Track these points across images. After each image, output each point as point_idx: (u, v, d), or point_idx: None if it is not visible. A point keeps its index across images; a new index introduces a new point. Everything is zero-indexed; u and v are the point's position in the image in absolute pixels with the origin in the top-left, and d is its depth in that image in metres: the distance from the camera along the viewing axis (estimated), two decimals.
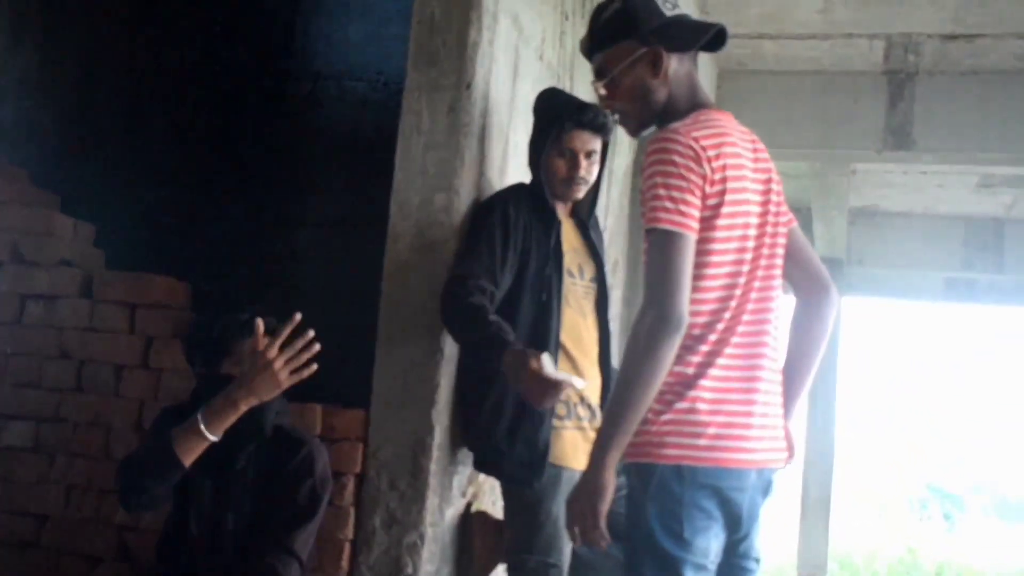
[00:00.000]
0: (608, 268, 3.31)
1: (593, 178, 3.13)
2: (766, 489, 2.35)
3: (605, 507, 2.21)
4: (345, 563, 3.03)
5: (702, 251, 2.24)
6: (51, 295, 3.45)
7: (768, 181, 2.38)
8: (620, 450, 2.21)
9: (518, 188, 3.13)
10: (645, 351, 2.16)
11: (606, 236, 3.34)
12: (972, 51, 6.43)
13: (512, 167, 3.43)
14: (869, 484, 18.74)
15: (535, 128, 3.15)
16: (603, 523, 2.22)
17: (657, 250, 2.20)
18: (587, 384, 2.71)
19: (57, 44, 4.36)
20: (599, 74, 2.51)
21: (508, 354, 2.69)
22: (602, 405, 3.14)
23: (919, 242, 10.06)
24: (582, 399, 3.07)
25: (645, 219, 2.24)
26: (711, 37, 2.43)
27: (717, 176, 2.23)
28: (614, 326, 3.13)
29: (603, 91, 2.51)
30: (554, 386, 2.59)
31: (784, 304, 2.42)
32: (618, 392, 2.21)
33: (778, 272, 2.39)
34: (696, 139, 2.24)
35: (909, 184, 9.04)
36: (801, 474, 8.29)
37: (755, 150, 2.39)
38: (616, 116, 2.54)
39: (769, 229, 2.36)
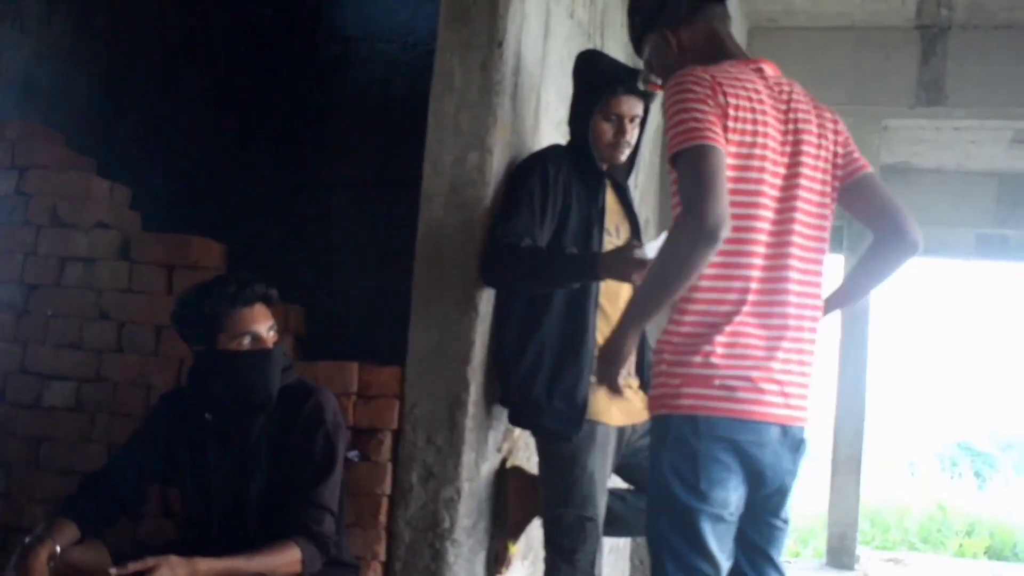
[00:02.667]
0: (641, 227, 3.32)
1: (635, 141, 3.14)
2: (795, 447, 2.33)
3: (621, 365, 2.32)
4: (383, 518, 3.07)
5: None
6: (90, 257, 3.49)
7: (800, 132, 2.34)
8: (640, 328, 2.30)
9: (557, 148, 3.14)
10: (683, 256, 2.15)
11: (636, 194, 3.36)
12: (1006, 4, 6.34)
13: (544, 125, 3.44)
14: (900, 442, 18.73)
15: (578, 91, 3.16)
16: (620, 376, 2.34)
17: (688, 166, 2.18)
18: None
19: (91, 9, 4.39)
20: (646, 67, 2.64)
21: (606, 257, 2.77)
22: (638, 363, 3.16)
23: (951, 199, 9.97)
24: None
25: (670, 147, 2.23)
26: None
27: (731, 112, 2.22)
28: None
29: (658, 81, 2.59)
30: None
31: (823, 261, 2.40)
32: (650, 284, 2.24)
33: (806, 226, 2.34)
34: (712, 74, 2.25)
35: (941, 140, 8.95)
36: (832, 432, 8.28)
37: (789, 99, 2.36)
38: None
39: (797, 180, 2.32)
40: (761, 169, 2.27)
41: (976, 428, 21.63)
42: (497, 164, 3.07)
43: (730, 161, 2.22)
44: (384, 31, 4.04)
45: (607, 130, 3.08)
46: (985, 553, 10.87)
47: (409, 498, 3.05)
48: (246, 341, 2.69)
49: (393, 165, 3.73)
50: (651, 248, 2.61)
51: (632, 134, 3.11)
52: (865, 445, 8.51)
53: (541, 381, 2.97)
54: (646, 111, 3.14)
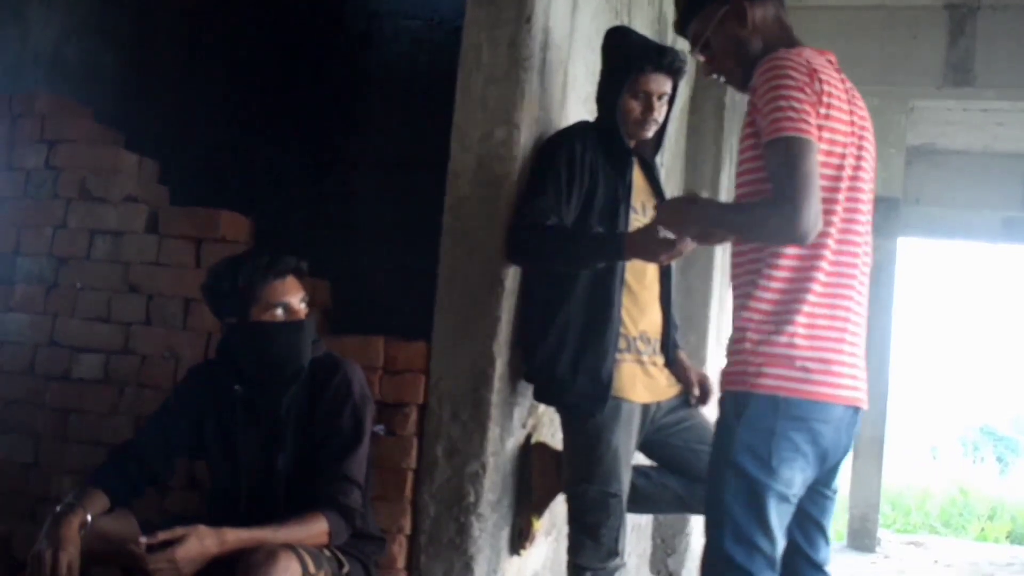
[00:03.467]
0: None
1: (663, 119, 3.14)
2: (853, 423, 2.38)
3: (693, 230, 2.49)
4: (408, 491, 3.09)
5: None
6: (118, 231, 3.51)
7: (862, 128, 2.38)
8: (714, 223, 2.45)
9: (584, 126, 3.14)
10: (766, 236, 2.28)
11: (663, 173, 3.35)
12: None
13: (571, 101, 3.43)
14: (922, 426, 18.68)
15: (607, 68, 3.15)
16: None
17: (784, 157, 2.20)
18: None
19: None
20: (694, 43, 2.56)
21: (633, 237, 2.77)
22: (663, 341, 3.17)
23: (977, 181, 9.91)
24: (642, 333, 3.09)
25: (765, 132, 2.25)
26: None
27: (824, 100, 2.25)
28: (673, 264, 3.15)
29: (701, 58, 2.56)
30: (682, 240, 2.63)
31: (870, 250, 2.44)
32: (724, 225, 2.42)
33: (865, 216, 2.39)
34: (808, 59, 2.27)
35: (968, 122, 8.89)
36: None
37: (853, 96, 2.40)
38: (722, 78, 2.56)
39: (861, 172, 2.36)
40: (842, 156, 2.31)
41: (999, 412, 21.55)
42: (524, 140, 3.06)
43: (821, 147, 2.25)
44: (409, 8, 4.03)
45: (635, 107, 3.07)
46: (1007, 537, 10.83)
47: (434, 472, 3.07)
48: (279, 312, 2.71)
49: (418, 142, 3.74)
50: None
51: (660, 112, 3.10)
52: (887, 428, 8.50)
53: (566, 357, 2.97)
54: (674, 89, 3.13)
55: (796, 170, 2.18)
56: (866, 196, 2.39)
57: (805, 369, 2.26)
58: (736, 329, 2.37)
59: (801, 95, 2.22)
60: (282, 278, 2.72)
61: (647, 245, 2.72)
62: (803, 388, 2.26)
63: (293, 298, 2.73)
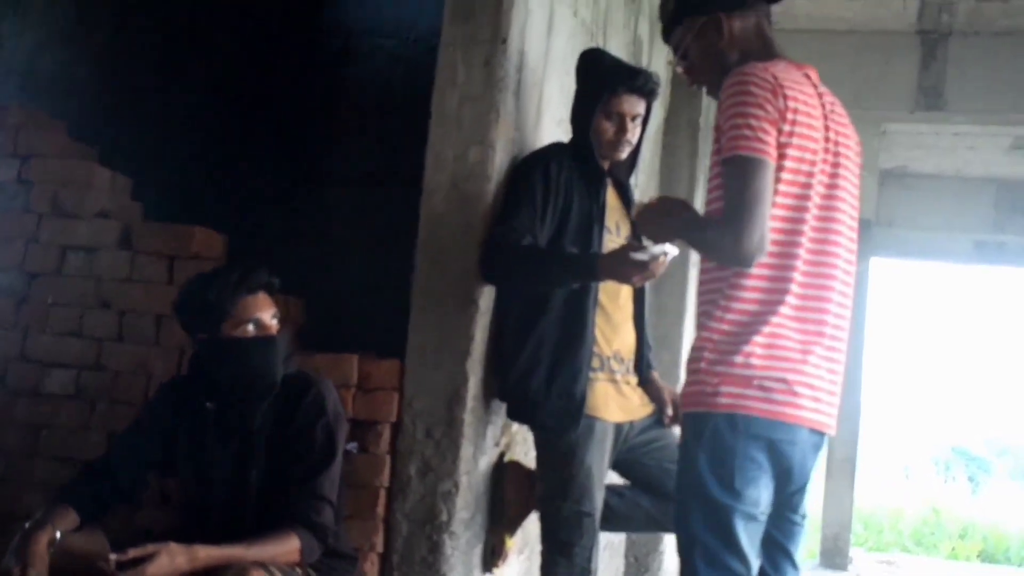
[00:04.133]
0: None
1: (637, 140, 3.15)
2: (818, 446, 2.37)
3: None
4: (381, 509, 3.08)
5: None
6: (91, 246, 3.49)
7: (839, 144, 2.36)
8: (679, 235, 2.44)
9: (559, 146, 3.16)
10: (714, 256, 2.32)
11: (636, 193, 3.37)
12: (1006, 11, 6.36)
13: (546, 121, 3.45)
14: (894, 446, 18.76)
15: (581, 89, 3.17)
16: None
17: (736, 176, 2.21)
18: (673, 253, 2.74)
19: None
20: (675, 51, 2.57)
21: (606, 259, 2.78)
22: (636, 360, 3.18)
23: (949, 204, 10.01)
24: (615, 353, 3.10)
25: (723, 149, 2.25)
26: None
27: (789, 116, 2.23)
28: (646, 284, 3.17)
29: (680, 69, 2.57)
30: (655, 262, 2.64)
31: (854, 273, 2.42)
32: (685, 236, 2.40)
33: (844, 237, 2.37)
34: (774, 75, 2.25)
35: (940, 145, 8.98)
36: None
37: (833, 111, 2.38)
38: (704, 88, 2.57)
39: (837, 191, 2.34)
40: (810, 174, 2.29)
41: (971, 433, 21.69)
42: (499, 159, 3.08)
43: (785, 164, 2.24)
44: (385, 26, 4.05)
45: (608, 128, 3.09)
46: (978, 556, 10.91)
47: (407, 490, 3.06)
48: (250, 328, 2.70)
49: (393, 160, 3.75)
50: (652, 250, 2.62)
51: (633, 133, 3.12)
52: (860, 448, 8.55)
53: (540, 376, 2.98)
54: (648, 110, 3.15)
55: (744, 191, 2.18)
56: (845, 215, 2.36)
57: (763, 388, 2.23)
58: (694, 349, 2.35)
59: (760, 112, 2.21)
60: (253, 294, 2.71)
61: (620, 267, 2.73)
62: (762, 407, 2.23)
63: (264, 314, 2.72)
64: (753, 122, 2.20)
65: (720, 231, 2.22)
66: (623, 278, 2.77)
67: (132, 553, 2.37)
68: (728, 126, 2.24)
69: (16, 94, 4.28)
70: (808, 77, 2.39)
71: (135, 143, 4.00)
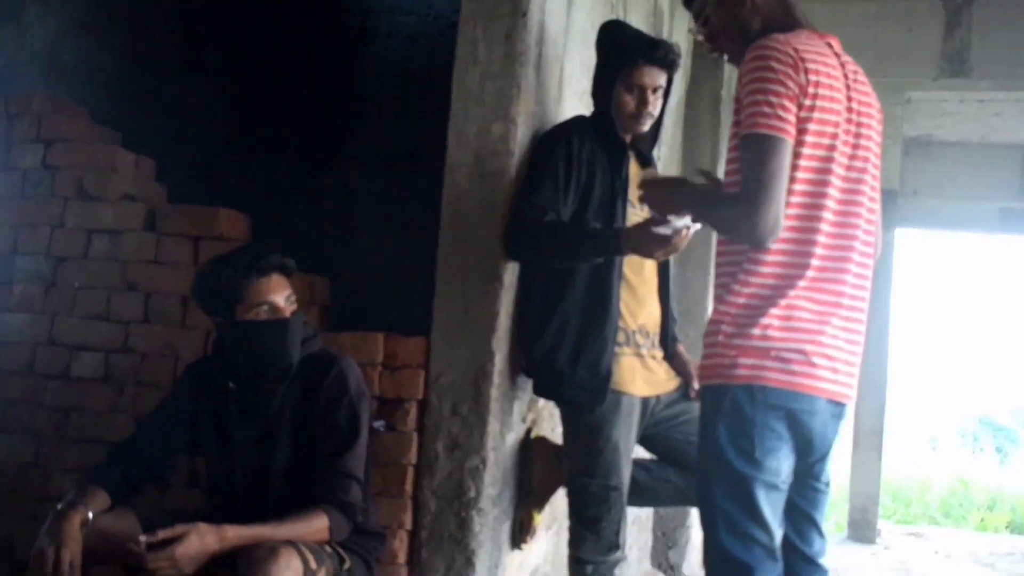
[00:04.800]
0: None
1: (658, 112, 3.14)
2: (839, 415, 2.37)
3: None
4: (409, 487, 3.09)
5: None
6: (116, 230, 3.51)
7: (862, 115, 2.35)
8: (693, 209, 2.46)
9: (580, 120, 3.14)
10: (727, 232, 2.31)
11: (659, 166, 3.35)
12: None
13: (567, 95, 3.43)
14: (921, 417, 18.68)
15: (601, 62, 3.15)
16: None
17: (754, 153, 2.19)
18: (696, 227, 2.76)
19: None
20: (696, 19, 2.56)
21: (629, 232, 2.76)
22: (662, 334, 3.17)
23: (974, 172, 9.89)
24: (640, 327, 3.10)
25: (742, 126, 2.24)
26: None
27: (811, 90, 2.22)
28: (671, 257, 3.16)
29: (700, 37, 2.56)
30: (678, 236, 2.63)
31: (874, 240, 2.41)
32: (697, 211, 2.42)
33: (865, 208, 2.36)
34: (796, 48, 2.23)
35: (964, 113, 8.87)
36: (854, 405, 8.27)
37: (855, 80, 2.37)
38: (724, 56, 2.55)
39: (859, 162, 2.34)
40: (831, 147, 2.28)
41: (998, 403, 21.56)
42: (521, 135, 3.07)
43: (805, 139, 2.23)
44: (405, 4, 4.03)
45: (629, 101, 3.07)
46: (1007, 527, 10.85)
47: (435, 467, 3.07)
48: (263, 311, 2.70)
49: (415, 137, 3.74)
50: (675, 223, 2.60)
51: (655, 105, 3.10)
52: (887, 419, 8.50)
53: (565, 352, 2.98)
54: (669, 82, 3.13)
55: (761, 170, 2.17)
56: (866, 185, 2.36)
57: (781, 359, 2.24)
58: (712, 322, 2.35)
59: (781, 88, 2.19)
60: (266, 276, 2.71)
61: (643, 241, 2.72)
62: (780, 378, 2.24)
63: (278, 296, 2.72)
64: (773, 99, 2.19)
65: (734, 210, 2.22)
66: (646, 252, 2.76)
67: (162, 534, 2.40)
68: (748, 101, 2.22)
69: (40, 80, 4.29)
70: (830, 46, 2.37)
71: (158, 126, 4.01)
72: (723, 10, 2.46)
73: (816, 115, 2.24)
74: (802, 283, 2.26)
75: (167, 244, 3.45)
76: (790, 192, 2.23)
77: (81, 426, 3.45)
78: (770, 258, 2.26)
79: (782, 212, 2.19)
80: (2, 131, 3.71)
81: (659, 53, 3.05)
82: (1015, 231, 10.87)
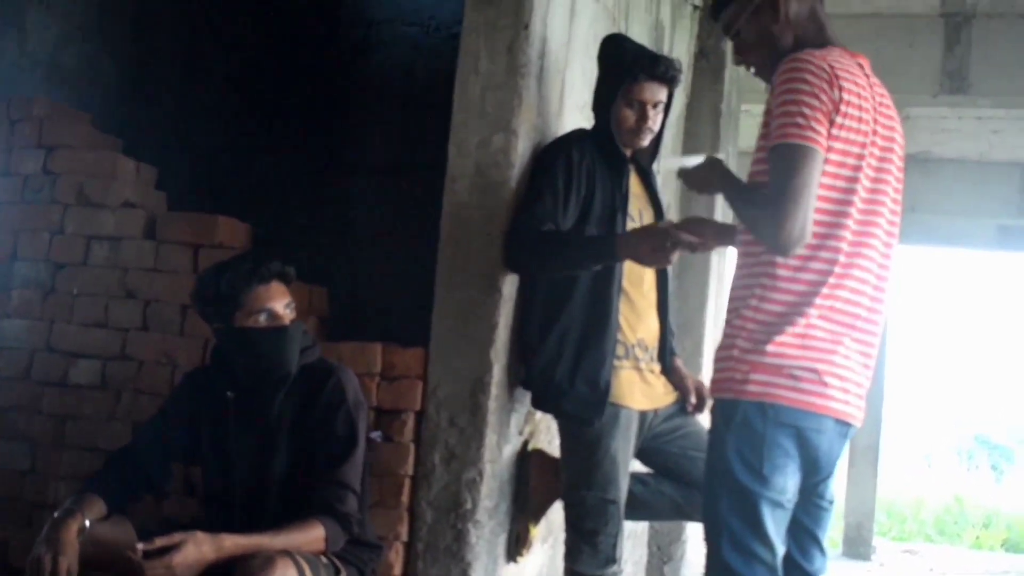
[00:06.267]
0: (664, 212, 3.32)
1: (658, 127, 3.14)
2: (845, 434, 2.37)
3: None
4: (405, 498, 3.08)
5: None
6: (116, 236, 3.50)
7: (887, 138, 2.35)
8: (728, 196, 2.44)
9: (581, 133, 3.15)
10: (755, 233, 2.29)
11: (659, 180, 3.35)
12: None
13: (568, 108, 3.44)
14: (917, 434, 18.68)
15: (602, 76, 3.15)
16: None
17: (785, 163, 2.19)
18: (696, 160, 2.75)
19: None
20: (727, 31, 2.54)
21: (625, 236, 2.78)
22: (660, 347, 3.17)
23: (973, 189, 9.92)
24: (639, 340, 3.10)
25: (772, 137, 2.23)
26: None
27: (842, 108, 2.22)
28: (669, 271, 3.17)
29: (731, 50, 2.56)
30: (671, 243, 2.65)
31: (892, 264, 2.41)
32: (735, 204, 2.39)
33: (883, 230, 2.36)
34: (831, 65, 2.24)
35: (964, 130, 8.91)
36: None
37: (881, 104, 2.36)
38: (752, 69, 2.54)
39: (881, 185, 2.33)
40: (856, 167, 2.28)
41: (994, 421, 21.57)
42: (522, 146, 3.07)
43: (831, 157, 2.23)
44: (407, 14, 4.04)
45: (629, 115, 3.07)
46: (1002, 546, 10.84)
47: (432, 479, 3.06)
48: (262, 318, 2.70)
49: (416, 148, 3.75)
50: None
51: (654, 120, 3.10)
52: (883, 436, 8.52)
53: (564, 364, 2.97)
54: (670, 97, 3.13)
55: (792, 180, 2.17)
56: (888, 208, 2.36)
57: (794, 377, 2.24)
58: (726, 336, 2.35)
59: (815, 102, 2.19)
60: (266, 283, 2.71)
61: (638, 244, 2.72)
62: (791, 396, 2.24)
63: (277, 304, 2.72)
64: (807, 110, 2.19)
65: (764, 213, 2.21)
66: (640, 255, 2.76)
67: (159, 542, 2.39)
68: (779, 112, 2.22)
69: (41, 86, 4.30)
70: (861, 67, 2.37)
71: (159, 133, 4.02)
72: (756, 23, 2.45)
73: (843, 133, 2.24)
74: (820, 302, 2.26)
75: (166, 251, 3.45)
76: (817, 209, 2.23)
77: (78, 433, 3.44)
78: (789, 273, 2.27)
79: (810, 222, 2.18)
80: (3, 136, 3.71)
81: (660, 68, 3.05)
82: (1013, 248, 10.92)
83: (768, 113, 2.28)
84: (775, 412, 2.24)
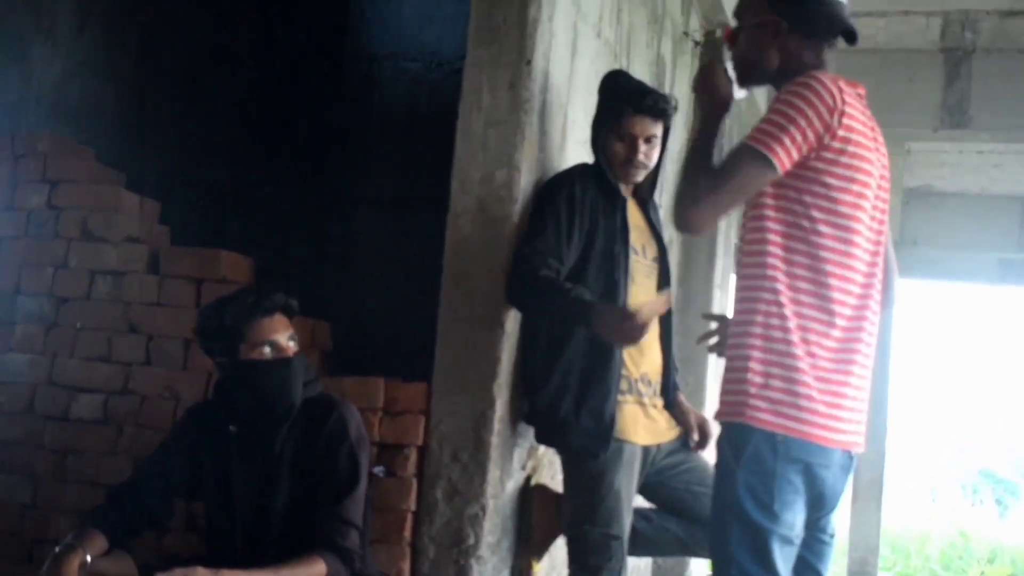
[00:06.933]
0: (666, 245, 3.33)
1: (653, 162, 3.14)
2: (846, 469, 2.36)
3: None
4: (408, 533, 3.07)
5: (812, 207, 2.25)
6: (119, 271, 3.51)
7: (883, 168, 2.38)
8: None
9: (583, 168, 3.15)
10: (677, 191, 2.30)
11: (662, 214, 3.36)
12: None
13: (571, 143, 3.45)
14: (921, 468, 18.60)
15: (597, 111, 3.17)
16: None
17: (737, 162, 2.22)
18: (669, 297, 2.79)
19: (121, 26, 4.45)
20: (734, 15, 2.56)
21: (603, 313, 2.73)
22: (663, 382, 3.17)
23: (974, 223, 9.94)
24: (643, 375, 3.09)
25: (748, 135, 2.25)
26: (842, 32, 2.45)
27: (841, 133, 2.23)
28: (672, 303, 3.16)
29: (723, 32, 2.56)
30: (645, 323, 2.62)
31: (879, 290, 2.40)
32: (690, 164, 2.35)
33: (880, 258, 2.38)
34: (842, 91, 2.25)
35: (964, 164, 8.94)
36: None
37: (876, 132, 2.38)
38: (730, 63, 2.55)
39: (879, 213, 2.36)
40: (861, 195, 2.29)
41: (998, 455, 21.47)
42: (525, 181, 3.08)
43: (832, 183, 2.24)
44: (410, 50, 4.07)
45: (620, 150, 3.08)
46: None
47: (434, 514, 3.05)
48: (266, 351, 2.70)
49: (418, 183, 3.76)
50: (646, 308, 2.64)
51: (647, 155, 3.10)
52: (887, 471, 8.47)
53: (569, 399, 2.96)
54: (667, 131, 3.14)
55: (731, 180, 2.22)
56: (884, 236, 2.39)
57: (809, 411, 2.23)
58: (735, 357, 2.33)
59: (803, 122, 2.20)
60: (269, 316, 2.71)
61: (611, 325, 2.70)
62: (803, 429, 2.23)
63: (281, 336, 2.72)
64: (792, 127, 2.20)
65: (694, 189, 2.24)
66: (609, 336, 2.75)
67: None
68: (768, 117, 2.24)
69: (45, 121, 4.32)
70: (860, 97, 2.38)
71: (163, 168, 4.04)
72: (757, 31, 2.45)
73: (844, 159, 2.24)
74: (832, 331, 2.26)
75: (170, 286, 3.45)
76: (819, 235, 2.25)
77: (80, 468, 3.43)
78: (804, 298, 2.26)
79: (717, 221, 2.24)
80: (7, 171, 3.73)
81: (647, 102, 3.05)
82: (1015, 282, 10.90)
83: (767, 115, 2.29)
84: (785, 446, 2.22)
